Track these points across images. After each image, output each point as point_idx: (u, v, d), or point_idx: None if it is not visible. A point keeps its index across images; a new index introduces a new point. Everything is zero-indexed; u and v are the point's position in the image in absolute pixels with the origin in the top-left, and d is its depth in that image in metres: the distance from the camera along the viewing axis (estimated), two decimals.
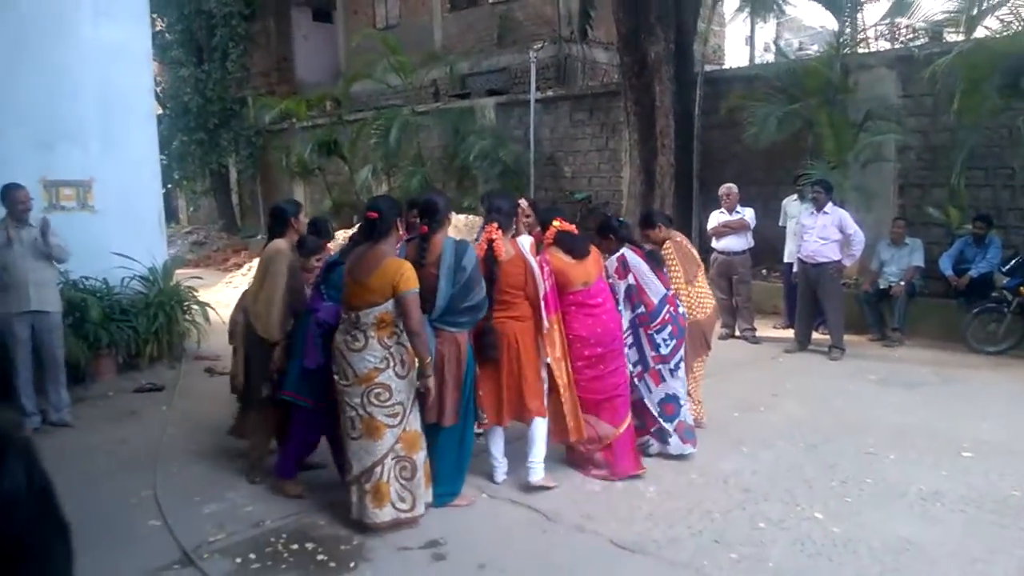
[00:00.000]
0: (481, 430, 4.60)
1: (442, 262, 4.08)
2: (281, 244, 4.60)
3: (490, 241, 4.32)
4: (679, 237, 5.65)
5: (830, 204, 7.67)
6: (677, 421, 4.91)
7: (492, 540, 3.91)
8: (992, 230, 7.98)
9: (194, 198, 21.20)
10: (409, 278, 3.81)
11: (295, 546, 3.86)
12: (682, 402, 4.94)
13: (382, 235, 3.93)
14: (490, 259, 4.28)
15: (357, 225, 5.48)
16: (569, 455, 4.84)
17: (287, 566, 3.69)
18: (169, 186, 18.48)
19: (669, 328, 4.89)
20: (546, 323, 4.41)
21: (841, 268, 7.69)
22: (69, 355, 6.15)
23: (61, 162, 7.18)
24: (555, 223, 4.74)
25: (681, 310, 5.08)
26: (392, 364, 3.90)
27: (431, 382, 3.96)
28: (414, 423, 4.01)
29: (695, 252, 5.79)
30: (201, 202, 21.33)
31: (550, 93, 13.39)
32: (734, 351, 8.00)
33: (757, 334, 8.41)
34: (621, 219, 5.50)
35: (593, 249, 4.78)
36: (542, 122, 13.12)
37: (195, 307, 7.79)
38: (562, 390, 4.49)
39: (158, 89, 15.72)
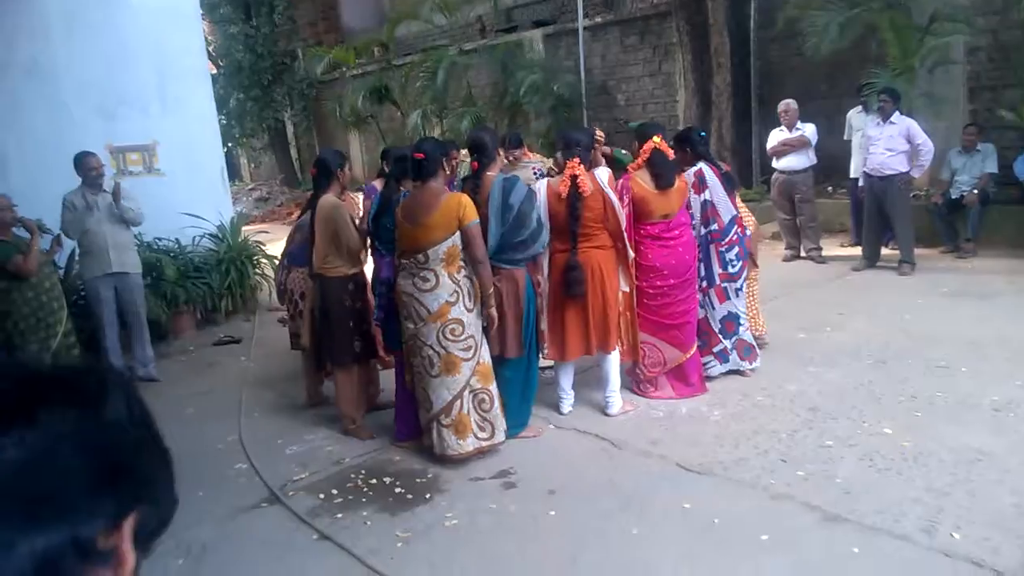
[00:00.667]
0: (549, 362, 4.72)
1: (490, 201, 4.13)
2: (334, 199, 4.53)
3: (573, 177, 4.30)
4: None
5: (897, 113, 7.36)
6: (736, 338, 4.98)
7: (561, 468, 4.03)
8: None
9: (254, 155, 21.55)
10: (470, 210, 3.94)
11: (374, 481, 4.06)
12: (742, 320, 5.01)
13: (430, 174, 4.00)
14: (574, 195, 4.28)
15: (381, 175, 5.37)
16: (631, 379, 4.92)
17: (367, 500, 3.88)
18: (230, 144, 18.83)
19: (736, 248, 4.94)
20: (631, 252, 4.46)
21: (909, 180, 7.41)
22: (150, 313, 6.46)
23: (124, 127, 7.44)
24: (655, 139, 4.67)
25: (748, 232, 5.07)
26: (461, 298, 4.01)
27: (495, 311, 4.09)
28: (486, 355, 4.14)
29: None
30: (261, 158, 21.68)
31: (598, 19, 13.03)
32: (800, 272, 7.87)
33: (823, 253, 8.21)
34: (703, 132, 5.44)
35: (679, 178, 4.74)
36: (592, 50, 12.84)
37: (264, 261, 8.04)
38: (623, 312, 4.58)
39: (210, 48, 15.90)
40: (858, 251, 8.05)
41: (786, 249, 8.48)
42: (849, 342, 5.55)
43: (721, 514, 3.40)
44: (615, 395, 4.59)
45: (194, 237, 7.64)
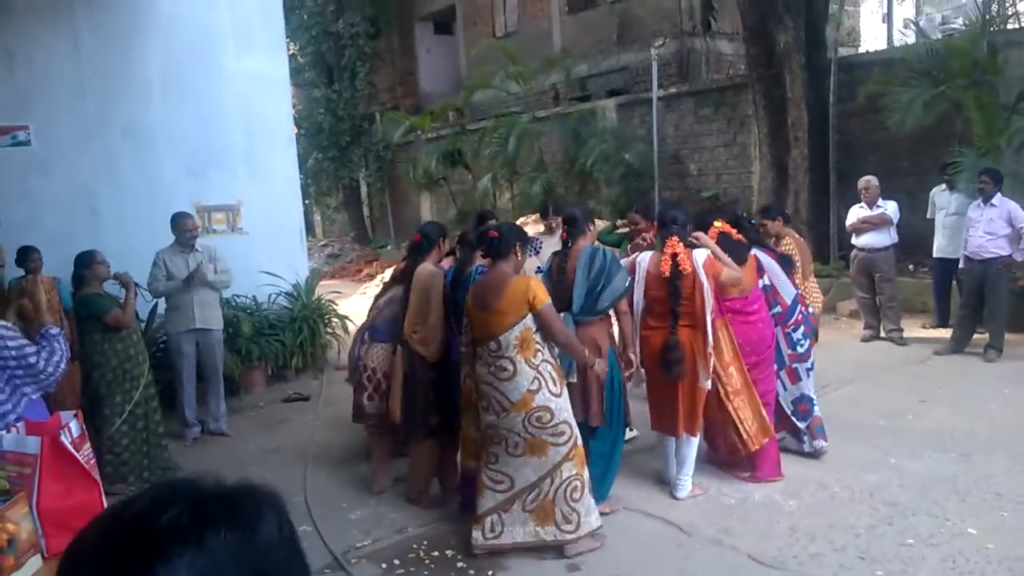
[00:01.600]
0: (633, 434, 4.85)
1: (578, 265, 4.21)
2: (433, 268, 4.55)
3: (674, 255, 4.26)
4: (795, 235, 5.78)
5: (998, 195, 7.12)
6: (811, 418, 4.92)
7: (628, 553, 3.91)
8: None
9: (328, 213, 22.22)
10: (541, 291, 3.77)
11: (436, 553, 4.01)
12: (815, 401, 4.94)
13: (502, 255, 3.89)
14: (675, 274, 4.23)
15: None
16: (713, 457, 4.85)
17: (428, 572, 3.83)
18: (306, 202, 19.46)
19: (802, 328, 4.89)
20: (710, 339, 4.31)
21: (1010, 264, 7.13)
22: (224, 368, 6.62)
23: (212, 188, 7.77)
24: (717, 224, 4.70)
25: (811, 310, 5.00)
26: (544, 384, 3.76)
27: (599, 365, 4.09)
28: (579, 440, 3.90)
29: (807, 250, 6.03)
30: (335, 216, 22.34)
31: (673, 90, 13.15)
32: (879, 354, 7.61)
33: (904, 335, 7.93)
34: (752, 219, 5.42)
35: (751, 256, 4.71)
36: (665, 120, 12.92)
37: (335, 319, 8.19)
38: (734, 396, 4.47)
39: (293, 111, 16.61)
40: (938, 333, 7.77)
41: (865, 329, 8.22)
42: (932, 432, 5.30)
43: None
44: (688, 479, 4.47)
45: (270, 295, 7.85)
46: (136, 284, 5.51)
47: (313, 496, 4.85)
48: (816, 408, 4.95)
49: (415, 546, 4.10)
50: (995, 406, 5.80)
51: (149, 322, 6.84)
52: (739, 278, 4.42)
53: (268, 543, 0.74)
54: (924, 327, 8.37)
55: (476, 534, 3.88)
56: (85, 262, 5.21)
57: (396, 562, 3.94)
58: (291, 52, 18.59)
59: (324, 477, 5.20)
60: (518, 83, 15.13)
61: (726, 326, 4.48)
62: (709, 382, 4.31)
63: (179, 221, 6.06)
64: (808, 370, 4.89)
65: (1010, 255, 7.04)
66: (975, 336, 7.49)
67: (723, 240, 4.61)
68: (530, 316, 3.74)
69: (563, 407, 3.82)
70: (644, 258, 4.48)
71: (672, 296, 4.24)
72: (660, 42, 13.30)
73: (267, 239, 8.00)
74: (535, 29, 17.80)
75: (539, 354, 3.78)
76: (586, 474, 3.88)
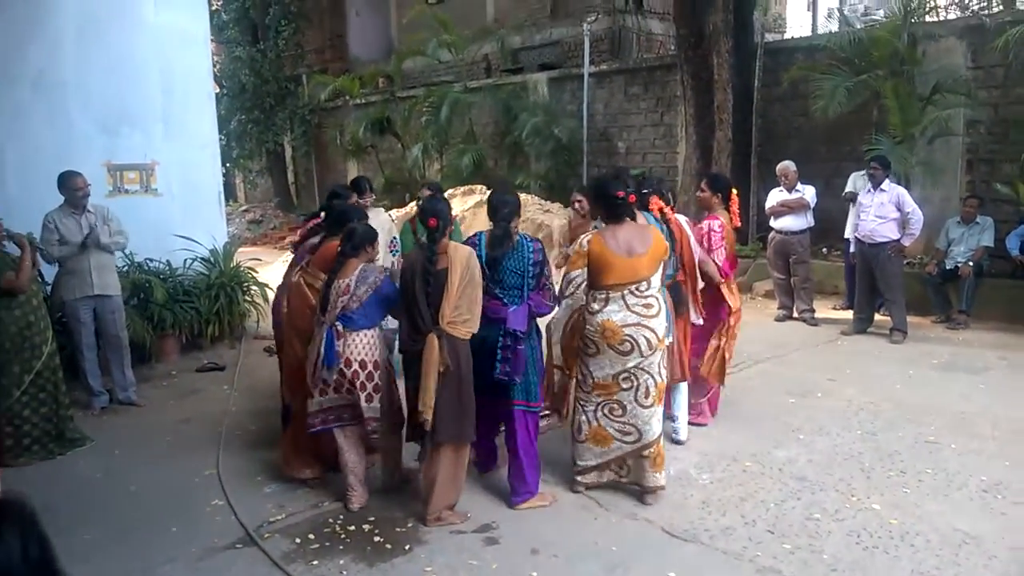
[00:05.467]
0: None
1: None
2: (469, 248, 4.04)
3: (661, 210, 4.71)
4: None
5: (887, 181, 7.45)
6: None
7: (544, 525, 3.94)
8: None
9: (251, 177, 21.57)
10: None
11: (352, 527, 3.96)
12: None
13: (631, 214, 4.20)
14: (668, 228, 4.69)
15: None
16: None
17: (344, 547, 3.78)
18: (227, 165, 18.82)
19: None
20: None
21: (900, 248, 7.46)
22: (134, 336, 6.38)
23: (125, 146, 7.42)
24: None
25: None
26: (671, 324, 4.34)
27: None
28: None
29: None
30: (258, 180, 21.70)
31: (604, 67, 13.19)
32: (792, 333, 7.86)
33: (816, 315, 8.22)
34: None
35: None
36: (595, 97, 12.96)
37: (254, 288, 7.96)
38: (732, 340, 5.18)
39: (215, 69, 15.95)
40: (848, 314, 8.07)
41: (779, 309, 8.49)
42: (839, 410, 5.51)
43: None
44: (685, 423, 4.98)
45: (186, 260, 7.57)
46: (39, 247, 5.22)
47: (226, 469, 4.73)
48: None
49: (331, 520, 4.04)
50: (899, 386, 6.06)
51: (54, 286, 6.49)
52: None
53: (5, 569, 0.62)
54: (835, 308, 8.70)
55: (603, 475, 4.24)
56: None
57: (311, 536, 3.88)
58: (214, 8, 17.87)
59: (238, 449, 5.07)
60: (450, 52, 14.92)
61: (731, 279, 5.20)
62: (701, 319, 4.89)
63: (68, 180, 5.67)
64: None
65: (899, 239, 7.37)
66: (880, 318, 7.82)
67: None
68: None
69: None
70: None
71: (672, 247, 4.55)
72: (593, 18, 13.31)
73: (183, 202, 7.70)
74: None
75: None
76: None
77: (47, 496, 4.44)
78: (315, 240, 4.71)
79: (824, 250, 9.75)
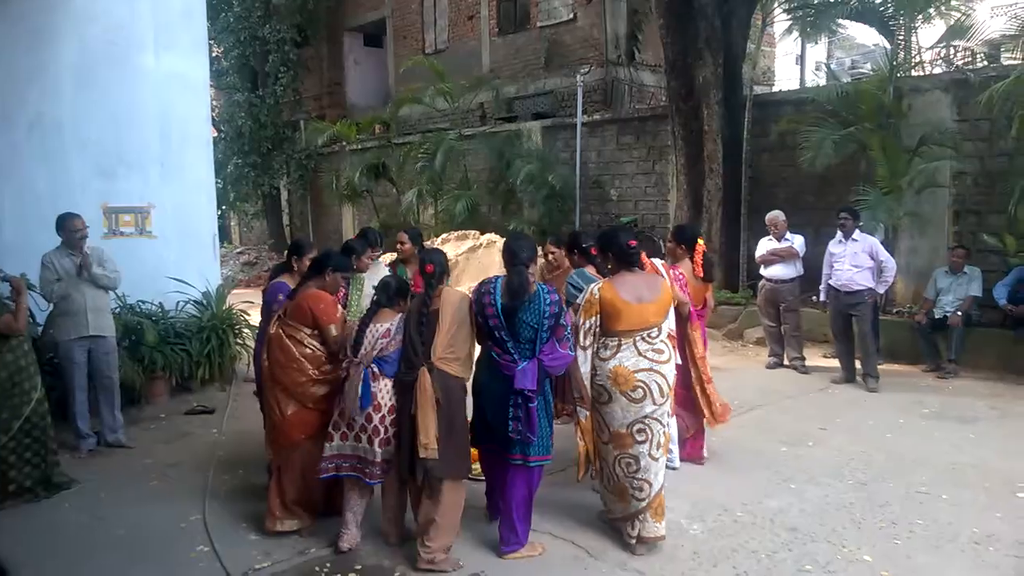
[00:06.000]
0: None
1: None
2: (462, 292, 4.26)
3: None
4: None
5: (858, 231, 7.59)
6: None
7: (534, 573, 3.90)
8: None
9: (247, 219, 21.67)
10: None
11: (338, 575, 3.90)
12: None
13: (640, 263, 4.34)
14: None
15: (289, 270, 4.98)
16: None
17: None
18: (223, 208, 18.93)
19: None
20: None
21: (875, 296, 7.55)
22: (124, 377, 6.34)
23: (122, 188, 7.48)
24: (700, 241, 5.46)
25: None
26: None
27: None
28: None
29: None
30: (253, 223, 21.81)
31: (597, 116, 13.41)
32: (783, 381, 7.88)
33: (806, 363, 8.25)
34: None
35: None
36: (588, 145, 13.14)
37: (246, 330, 7.95)
38: (707, 382, 5.22)
39: (213, 114, 16.12)
40: (838, 363, 8.09)
41: (770, 356, 8.52)
42: (831, 460, 5.50)
43: None
44: (677, 451, 5.18)
45: (178, 302, 7.58)
46: (30, 287, 5.21)
47: (212, 514, 4.68)
48: None
49: (317, 568, 3.98)
50: (890, 435, 6.06)
51: (47, 328, 6.47)
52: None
53: None
54: (825, 356, 8.72)
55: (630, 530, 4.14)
56: None
57: None
58: (215, 54, 18.20)
59: (225, 495, 5.01)
60: (446, 100, 15.15)
61: (700, 327, 5.30)
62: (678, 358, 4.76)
63: (66, 222, 5.76)
64: None
65: (873, 288, 7.51)
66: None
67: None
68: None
69: None
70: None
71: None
72: (586, 69, 13.58)
73: (178, 244, 7.74)
74: (464, 48, 17.88)
75: None
76: None
77: (31, 540, 4.39)
78: (281, 281, 4.80)
79: (814, 298, 9.80)
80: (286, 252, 5.11)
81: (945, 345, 8.03)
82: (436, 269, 4.01)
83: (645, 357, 4.06)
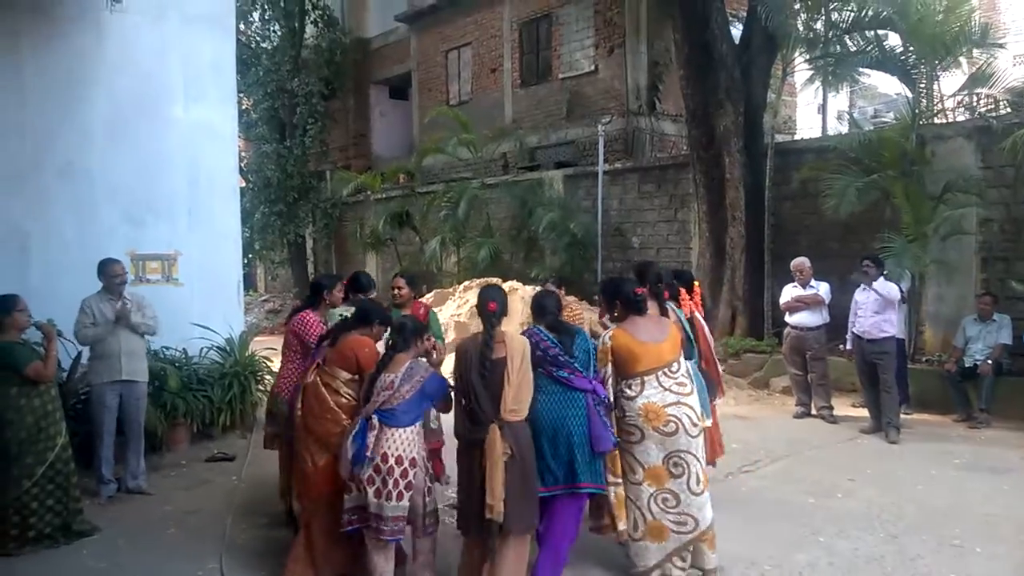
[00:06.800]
0: None
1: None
2: (522, 336, 4.16)
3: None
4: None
5: (882, 279, 7.51)
6: None
7: None
8: None
9: (272, 267, 21.92)
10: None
11: None
12: None
13: (644, 308, 4.37)
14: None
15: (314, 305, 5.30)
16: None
17: None
18: (250, 256, 19.17)
19: None
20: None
21: (898, 345, 7.46)
22: (147, 423, 6.34)
23: (150, 236, 7.60)
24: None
25: None
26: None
27: None
28: None
29: None
30: (279, 271, 22.05)
31: (618, 165, 13.50)
32: (810, 431, 7.73)
33: (835, 413, 8.09)
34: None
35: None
36: (610, 193, 13.21)
37: (268, 377, 7.98)
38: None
39: (242, 164, 16.44)
40: (867, 412, 7.93)
41: (797, 406, 8.37)
42: (860, 511, 5.35)
43: None
44: None
45: (202, 348, 7.63)
46: (58, 332, 5.27)
47: (230, 563, 4.63)
48: None
49: None
50: (921, 486, 5.90)
51: (71, 373, 6.53)
52: None
53: None
54: (854, 405, 8.55)
55: (668, 567, 4.10)
56: (5, 308, 4.92)
57: None
58: (245, 107, 18.63)
59: (242, 544, 4.96)
60: (469, 150, 15.36)
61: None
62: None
63: (107, 267, 5.88)
64: None
65: (895, 336, 7.49)
66: (904, 415, 7.71)
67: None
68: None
69: None
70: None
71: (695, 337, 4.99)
72: (607, 119, 13.72)
73: (203, 291, 7.82)
74: (488, 100, 18.18)
75: None
76: None
77: None
78: (309, 313, 5.00)
79: (840, 347, 9.67)
80: (309, 287, 5.30)
81: (976, 394, 7.86)
82: (498, 308, 3.87)
83: (671, 392, 4.13)
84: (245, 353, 7.89)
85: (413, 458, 3.86)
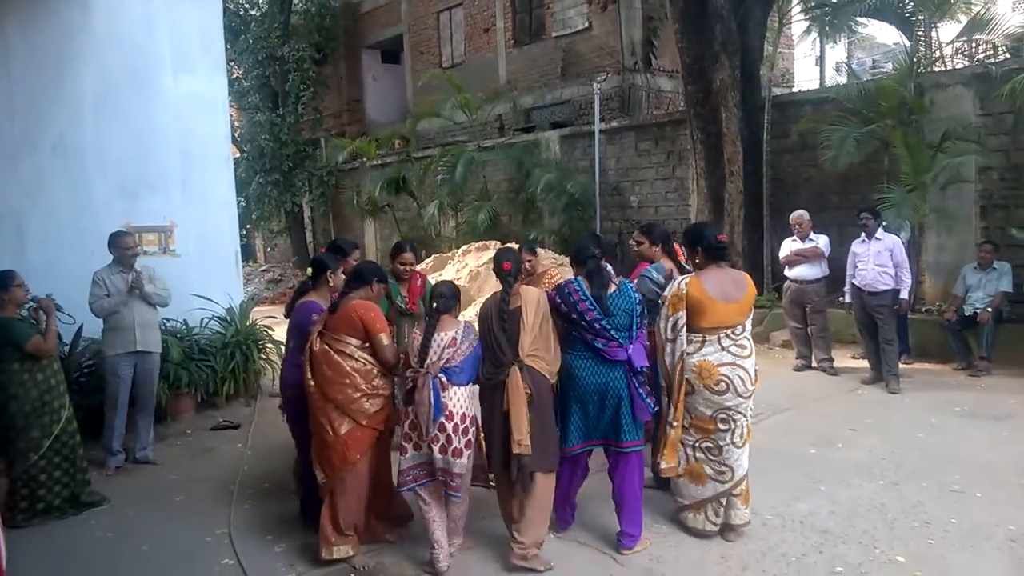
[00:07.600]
0: None
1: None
2: (541, 291, 4.32)
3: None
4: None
5: (881, 230, 7.48)
6: None
7: None
8: None
9: (270, 237, 21.87)
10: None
11: None
12: None
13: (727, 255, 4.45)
14: None
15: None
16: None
17: None
18: (247, 227, 19.12)
19: None
20: None
21: (897, 297, 7.43)
22: None
23: (144, 209, 7.57)
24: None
25: None
26: None
27: None
28: None
29: None
30: (277, 240, 22.01)
31: (614, 123, 13.38)
32: (811, 383, 7.77)
33: (835, 364, 8.13)
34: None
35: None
36: (607, 153, 13.12)
37: (270, 346, 8.00)
38: None
39: (235, 134, 16.32)
40: (867, 363, 7.96)
41: (797, 359, 8.40)
42: (861, 460, 5.40)
43: None
44: None
45: (202, 319, 7.65)
46: (57, 307, 5.28)
47: (237, 527, 4.68)
48: None
49: None
50: (922, 435, 5.94)
51: (73, 347, 6.57)
52: None
53: None
54: (854, 357, 8.58)
55: (700, 518, 4.25)
56: (2, 284, 4.91)
57: None
58: (235, 75, 18.44)
59: (250, 508, 5.02)
60: (464, 113, 15.22)
61: None
62: None
63: (119, 239, 5.88)
64: None
65: (897, 288, 7.39)
66: (902, 366, 7.73)
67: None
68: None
69: None
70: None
71: None
72: (602, 77, 13.56)
73: (201, 262, 7.81)
74: (481, 61, 17.98)
75: None
76: None
77: (59, 557, 4.42)
78: (310, 301, 4.60)
79: (839, 299, 9.67)
80: (311, 264, 4.92)
81: (976, 342, 7.88)
82: (513, 267, 4.14)
83: (728, 352, 4.14)
84: (246, 322, 7.91)
85: (473, 416, 4.02)
